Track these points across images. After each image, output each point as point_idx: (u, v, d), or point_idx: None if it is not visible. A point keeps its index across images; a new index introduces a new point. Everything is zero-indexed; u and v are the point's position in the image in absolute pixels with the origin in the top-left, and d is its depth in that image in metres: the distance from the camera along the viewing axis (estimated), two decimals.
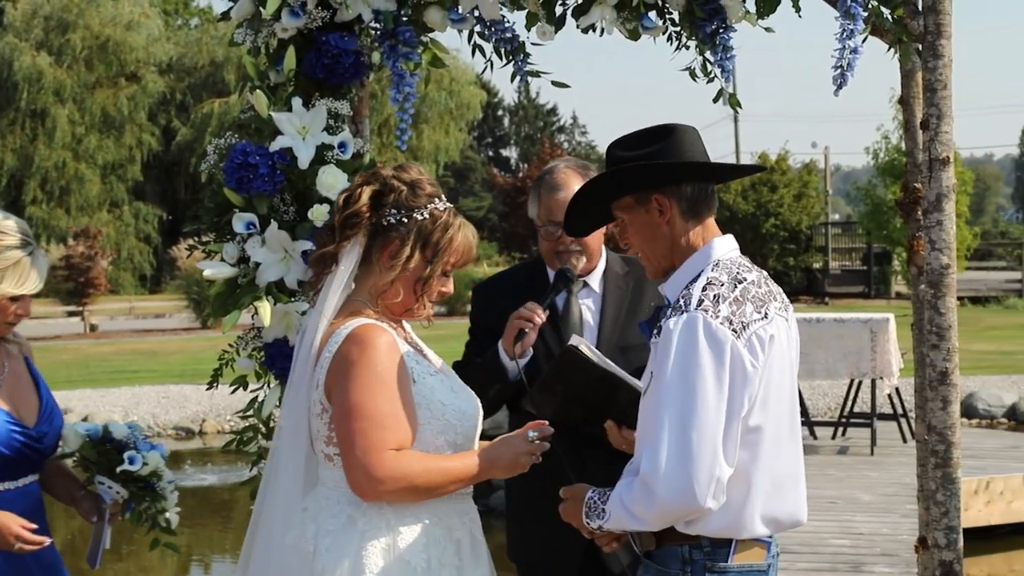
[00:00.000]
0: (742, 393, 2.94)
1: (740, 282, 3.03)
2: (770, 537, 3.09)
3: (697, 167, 3.13)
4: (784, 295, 3.16)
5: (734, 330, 2.93)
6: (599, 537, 3.19)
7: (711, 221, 3.16)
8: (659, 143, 3.12)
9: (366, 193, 3.20)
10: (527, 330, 3.80)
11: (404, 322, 3.34)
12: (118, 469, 3.82)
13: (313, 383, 3.17)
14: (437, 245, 3.21)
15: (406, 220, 3.20)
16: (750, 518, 3.01)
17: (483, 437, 3.34)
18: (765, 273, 3.15)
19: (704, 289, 2.99)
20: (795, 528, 3.15)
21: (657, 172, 3.09)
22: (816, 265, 37.75)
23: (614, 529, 3.03)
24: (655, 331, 3.07)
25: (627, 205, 3.15)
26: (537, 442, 3.23)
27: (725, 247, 3.13)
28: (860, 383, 12.40)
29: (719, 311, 2.94)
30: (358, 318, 3.18)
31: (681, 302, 2.99)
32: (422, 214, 3.21)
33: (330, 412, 3.13)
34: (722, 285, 3.00)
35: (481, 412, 3.34)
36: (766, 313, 3.02)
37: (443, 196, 3.27)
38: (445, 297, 3.30)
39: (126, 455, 3.82)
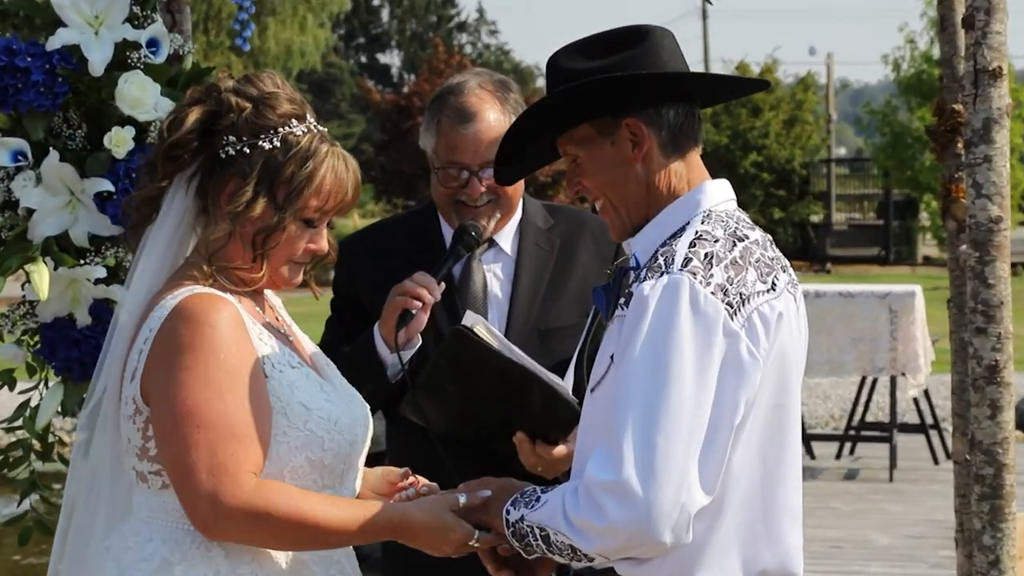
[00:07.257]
0: (735, 391, 2.95)
1: (740, 240, 3.05)
2: None
3: (694, 79, 3.13)
4: (791, 269, 3.18)
5: (729, 303, 2.94)
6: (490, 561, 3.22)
7: (697, 158, 3.18)
8: (629, 50, 3.11)
9: (193, 115, 3.19)
10: (415, 312, 3.76)
11: (270, 294, 3.36)
12: None
13: (128, 375, 3.16)
14: (291, 182, 3.18)
15: (249, 150, 3.19)
16: (726, 564, 3.03)
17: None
18: (769, 236, 3.18)
19: (692, 245, 2.99)
20: None
21: (640, 86, 3.08)
22: (814, 218, 38.19)
23: (539, 523, 3.01)
24: (620, 301, 3.06)
25: (584, 137, 3.15)
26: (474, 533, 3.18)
27: (719, 194, 3.15)
28: (875, 382, 12.60)
29: (711, 276, 2.95)
30: (189, 285, 3.17)
31: (660, 260, 2.99)
32: (271, 140, 3.19)
33: (145, 415, 3.13)
34: (716, 242, 3.01)
35: (368, 424, 3.35)
36: (773, 284, 3.04)
37: (309, 116, 3.25)
38: (317, 257, 3.29)
39: None
